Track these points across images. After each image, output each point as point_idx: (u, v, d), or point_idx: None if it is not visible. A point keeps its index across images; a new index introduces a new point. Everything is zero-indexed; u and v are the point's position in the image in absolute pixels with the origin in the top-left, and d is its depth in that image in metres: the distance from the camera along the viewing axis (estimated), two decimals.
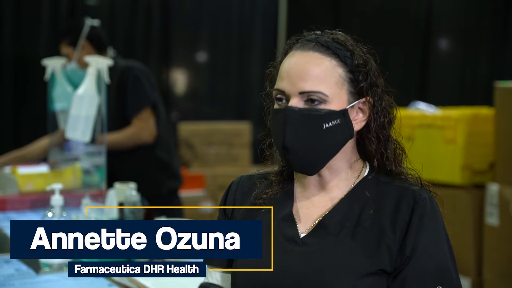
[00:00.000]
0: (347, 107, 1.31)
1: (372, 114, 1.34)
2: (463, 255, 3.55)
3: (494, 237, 3.44)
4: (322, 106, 1.29)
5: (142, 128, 3.20)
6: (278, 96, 1.33)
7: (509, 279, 3.37)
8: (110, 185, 2.97)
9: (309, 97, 1.29)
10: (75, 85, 2.83)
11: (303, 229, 1.34)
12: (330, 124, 1.29)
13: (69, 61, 3.30)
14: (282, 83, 1.32)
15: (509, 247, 3.37)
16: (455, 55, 5.25)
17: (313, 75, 1.29)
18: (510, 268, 3.37)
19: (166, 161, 3.33)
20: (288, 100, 1.31)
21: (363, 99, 1.33)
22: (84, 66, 3.24)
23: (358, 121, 1.34)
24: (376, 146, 1.35)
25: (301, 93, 1.29)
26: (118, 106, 3.21)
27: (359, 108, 1.34)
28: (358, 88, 1.32)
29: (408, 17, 5.53)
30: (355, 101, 1.32)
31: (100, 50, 3.35)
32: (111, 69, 3.26)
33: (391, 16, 5.65)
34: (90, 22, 3.34)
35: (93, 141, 3.08)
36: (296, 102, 1.30)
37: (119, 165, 3.21)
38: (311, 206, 1.37)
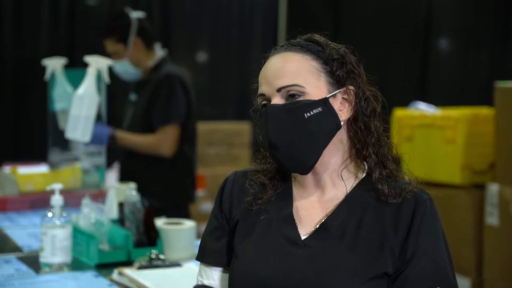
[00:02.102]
0: (327, 96, 1.32)
1: (356, 102, 1.35)
2: (463, 255, 3.55)
3: (494, 237, 3.44)
4: (302, 99, 1.31)
5: (163, 141, 3.11)
6: (262, 102, 1.35)
7: (509, 279, 3.37)
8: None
9: (288, 93, 1.31)
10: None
11: (304, 231, 1.33)
12: (312, 113, 1.30)
13: (117, 59, 3.20)
14: (261, 88, 1.35)
15: (509, 247, 3.37)
16: (455, 55, 5.24)
17: (287, 71, 1.32)
18: (510, 268, 3.37)
19: (182, 179, 3.24)
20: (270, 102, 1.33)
21: (344, 88, 1.34)
22: (136, 64, 3.23)
23: (344, 111, 1.34)
24: (359, 134, 1.35)
25: (279, 90, 1.31)
26: (147, 107, 3.15)
27: (343, 98, 1.35)
28: (335, 77, 1.33)
29: (408, 17, 5.53)
30: (335, 90, 1.33)
31: (149, 45, 3.25)
32: (156, 68, 3.21)
33: (391, 16, 5.64)
34: (136, 15, 3.22)
35: (113, 138, 3.08)
36: (277, 101, 1.32)
37: (133, 169, 3.19)
38: (311, 207, 1.36)
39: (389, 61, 5.31)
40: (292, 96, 1.31)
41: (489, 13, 4.99)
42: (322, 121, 1.31)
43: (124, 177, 3.22)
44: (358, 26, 5.80)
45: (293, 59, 1.33)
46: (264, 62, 1.39)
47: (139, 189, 3.07)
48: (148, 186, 3.05)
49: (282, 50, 1.36)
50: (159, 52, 3.28)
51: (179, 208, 3.22)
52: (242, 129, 5.60)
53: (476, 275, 3.56)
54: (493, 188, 3.44)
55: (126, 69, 3.22)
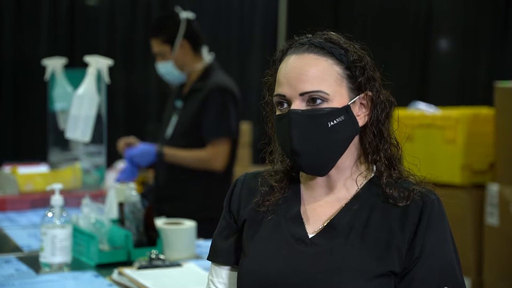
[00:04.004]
0: (349, 103, 1.32)
1: (371, 108, 1.35)
2: (463, 255, 3.54)
3: (494, 237, 3.44)
4: (325, 105, 1.30)
5: (216, 155, 3.00)
6: (279, 101, 1.34)
7: (509, 279, 3.37)
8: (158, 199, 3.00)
9: (311, 98, 1.30)
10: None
11: (311, 229, 1.34)
12: (335, 121, 1.30)
13: (162, 60, 3.10)
14: (281, 88, 1.33)
15: (509, 247, 3.37)
16: (455, 55, 5.24)
17: (311, 75, 1.30)
18: (510, 268, 3.37)
19: (214, 194, 3.04)
20: (289, 104, 1.32)
21: (363, 94, 1.34)
22: (181, 67, 3.10)
23: (362, 116, 1.35)
24: (371, 139, 1.35)
25: (302, 95, 1.30)
26: (196, 118, 3.03)
27: (361, 103, 1.35)
28: (356, 83, 1.33)
29: (408, 17, 5.53)
30: (355, 96, 1.33)
31: (196, 49, 3.12)
32: (204, 75, 3.08)
33: (391, 16, 5.64)
34: (186, 15, 3.10)
35: (161, 155, 3.02)
36: (298, 105, 1.30)
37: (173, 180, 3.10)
38: (319, 206, 1.37)
39: (389, 61, 5.31)
40: (314, 100, 1.30)
41: (489, 13, 4.99)
42: (344, 129, 1.31)
43: (162, 190, 3.16)
44: (358, 26, 5.80)
45: (317, 63, 1.31)
46: (281, 57, 1.37)
47: (178, 199, 3.07)
48: (183, 197, 3.04)
49: (304, 50, 1.33)
50: (207, 56, 3.16)
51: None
52: (243, 129, 5.59)
53: (476, 275, 3.56)
54: (493, 188, 3.44)
55: (170, 71, 3.10)
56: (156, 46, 3.10)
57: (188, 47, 3.10)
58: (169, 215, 2.67)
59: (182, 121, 3.11)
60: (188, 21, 3.10)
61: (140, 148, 3.06)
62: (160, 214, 2.78)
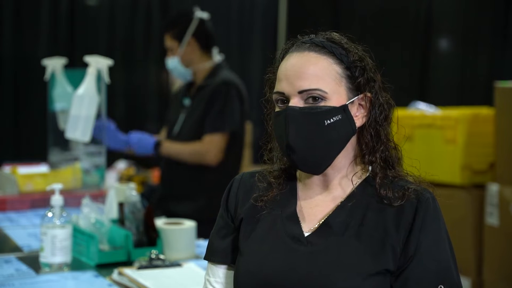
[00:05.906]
0: (347, 103, 1.32)
1: (370, 109, 1.35)
2: (463, 255, 3.54)
3: (494, 237, 3.44)
4: (322, 103, 1.31)
5: (209, 149, 2.99)
6: (279, 98, 1.35)
7: (509, 279, 3.37)
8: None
9: (309, 96, 1.31)
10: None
11: (307, 228, 1.35)
12: (332, 120, 1.31)
13: (171, 55, 3.14)
14: (281, 85, 1.34)
15: (509, 247, 3.37)
16: (455, 55, 5.24)
17: (310, 73, 1.31)
18: (510, 268, 3.37)
19: (219, 193, 3.00)
20: (288, 102, 1.33)
21: (362, 95, 1.35)
22: (187, 64, 3.15)
23: (360, 117, 1.36)
24: (368, 141, 1.36)
25: (300, 92, 1.31)
26: (202, 115, 3.05)
27: (359, 104, 1.36)
28: (356, 83, 1.34)
29: (408, 17, 5.53)
30: (354, 97, 1.34)
31: (206, 49, 3.16)
32: (211, 74, 3.11)
33: (391, 16, 5.64)
34: (200, 14, 3.15)
35: (157, 146, 3.05)
36: (296, 102, 1.32)
37: (176, 177, 3.11)
38: (315, 205, 1.37)
39: (389, 61, 5.31)
40: (312, 99, 1.31)
41: (489, 13, 4.98)
42: (341, 128, 1.32)
43: (166, 185, 3.18)
44: (357, 26, 5.80)
45: (317, 62, 1.32)
46: (283, 55, 1.38)
47: (180, 198, 3.07)
48: (189, 196, 3.04)
49: (305, 48, 1.35)
50: (216, 56, 3.19)
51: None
52: None
53: (476, 275, 3.56)
54: (493, 188, 3.44)
55: (176, 66, 3.14)
56: (167, 40, 3.15)
57: (196, 45, 3.13)
58: (174, 214, 2.66)
59: (189, 119, 3.13)
60: (201, 20, 3.14)
61: (140, 135, 3.11)
62: (165, 213, 2.78)
